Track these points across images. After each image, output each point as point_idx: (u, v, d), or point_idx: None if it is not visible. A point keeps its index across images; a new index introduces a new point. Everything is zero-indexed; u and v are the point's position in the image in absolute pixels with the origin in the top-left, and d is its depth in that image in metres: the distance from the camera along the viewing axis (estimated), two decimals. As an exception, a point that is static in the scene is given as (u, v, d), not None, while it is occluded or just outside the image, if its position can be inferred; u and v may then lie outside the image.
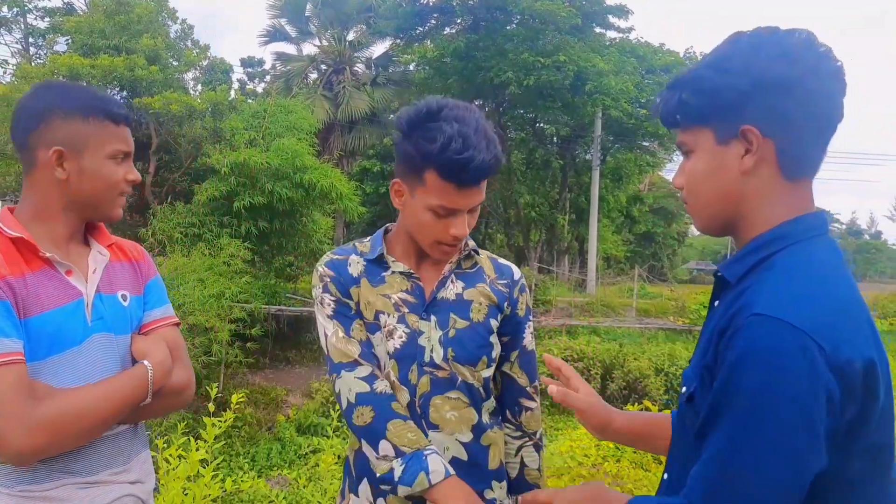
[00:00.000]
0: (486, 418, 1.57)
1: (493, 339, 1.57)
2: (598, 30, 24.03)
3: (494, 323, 1.57)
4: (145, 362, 1.39)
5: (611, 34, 24.55)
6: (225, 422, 2.95)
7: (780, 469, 0.94)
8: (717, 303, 1.16)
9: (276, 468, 8.76)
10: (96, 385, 1.32)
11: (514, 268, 1.69)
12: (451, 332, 1.52)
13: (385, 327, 1.52)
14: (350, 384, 1.46)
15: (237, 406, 3.08)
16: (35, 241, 1.34)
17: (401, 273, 1.57)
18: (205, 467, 2.76)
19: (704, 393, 1.06)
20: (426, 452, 1.40)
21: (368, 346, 1.53)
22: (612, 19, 23.82)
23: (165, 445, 2.83)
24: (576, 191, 26.92)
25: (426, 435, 1.48)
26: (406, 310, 1.53)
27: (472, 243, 1.63)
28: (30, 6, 20.48)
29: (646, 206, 35.55)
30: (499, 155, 1.44)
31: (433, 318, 1.53)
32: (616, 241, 33.56)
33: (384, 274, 1.57)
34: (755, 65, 1.05)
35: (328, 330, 1.53)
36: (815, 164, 1.10)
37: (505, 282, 1.63)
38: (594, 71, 20.16)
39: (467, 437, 1.52)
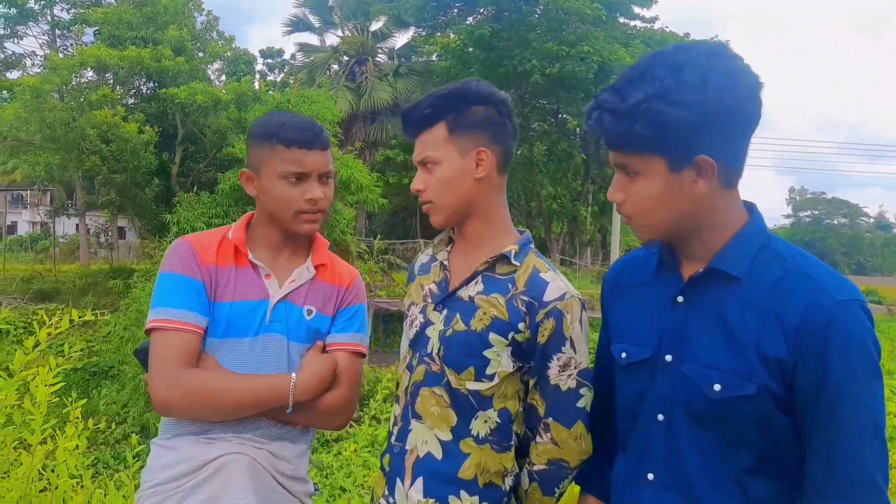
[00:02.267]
0: (477, 429, 1.46)
1: (491, 353, 1.44)
2: (622, 20, 23.81)
3: (497, 338, 1.44)
4: (293, 374, 1.51)
5: (635, 24, 24.31)
6: None
7: (884, 446, 1.09)
8: (712, 296, 1.20)
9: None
10: (243, 377, 1.48)
11: (554, 287, 1.45)
12: (449, 332, 1.49)
13: (411, 317, 1.60)
14: None
15: None
16: (246, 246, 1.59)
17: (441, 263, 1.60)
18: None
19: (777, 387, 1.11)
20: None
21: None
22: (636, 9, 23.60)
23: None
24: (598, 182, 26.75)
25: (409, 423, 1.52)
26: (429, 301, 1.57)
27: (513, 247, 1.50)
28: (55, -2, 20.77)
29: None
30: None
31: (444, 312, 1.52)
32: (639, 233, 33.37)
33: (433, 264, 1.63)
34: (706, 97, 1.10)
35: None
36: (744, 169, 1.20)
37: (527, 299, 1.44)
38: (618, 63, 19.99)
39: (446, 436, 1.48)
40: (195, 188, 13.56)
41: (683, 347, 1.22)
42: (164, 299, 1.49)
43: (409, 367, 1.56)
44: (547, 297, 1.44)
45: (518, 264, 1.49)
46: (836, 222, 67.48)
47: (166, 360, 1.44)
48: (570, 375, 1.45)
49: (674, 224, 1.21)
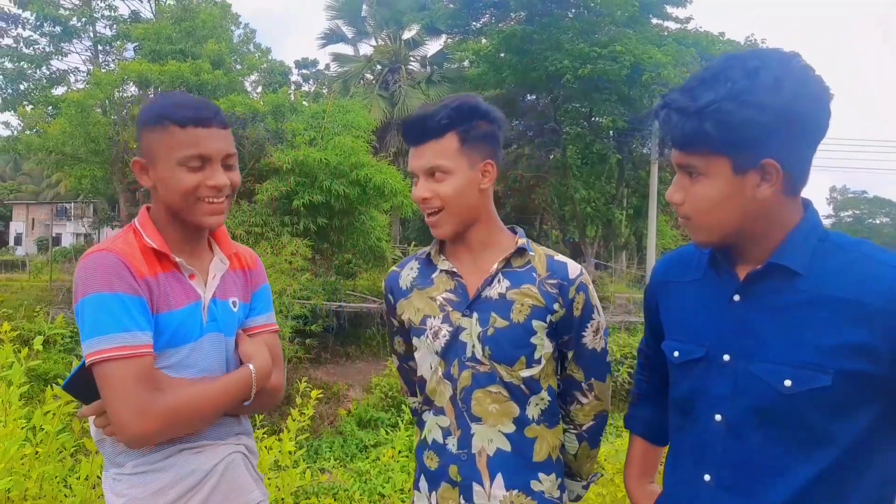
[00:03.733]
0: (531, 413, 1.57)
1: (537, 339, 1.56)
2: (655, 21, 23.58)
3: (539, 324, 1.55)
4: (250, 365, 1.49)
5: (669, 25, 24.06)
6: (305, 416, 3.10)
7: None
8: (775, 290, 1.20)
9: (338, 461, 8.98)
10: (207, 383, 1.42)
11: (572, 265, 1.63)
12: (490, 331, 1.54)
13: (431, 329, 1.60)
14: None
15: (303, 402, 3.21)
16: (168, 248, 1.45)
17: (445, 272, 1.62)
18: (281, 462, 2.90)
19: (868, 367, 1.10)
20: None
21: (406, 358, 1.77)
22: (669, 10, 23.34)
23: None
24: (633, 185, 26.48)
25: (469, 428, 1.56)
26: (450, 308, 1.59)
27: (522, 241, 1.62)
28: (98, 15, 21.40)
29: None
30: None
31: (475, 315, 1.56)
32: (675, 236, 32.85)
33: (433, 276, 1.65)
34: (779, 101, 1.10)
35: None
36: (808, 179, 1.19)
37: (555, 281, 1.58)
38: (651, 63, 19.81)
39: (510, 428, 1.56)
40: (235, 198, 13.81)
41: (745, 346, 1.21)
42: (109, 324, 1.32)
43: (448, 377, 1.59)
44: (571, 275, 1.60)
45: (533, 254, 1.61)
46: (877, 222, 65.66)
47: (129, 391, 1.31)
48: (600, 337, 1.65)
49: (732, 228, 1.20)
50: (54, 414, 2.29)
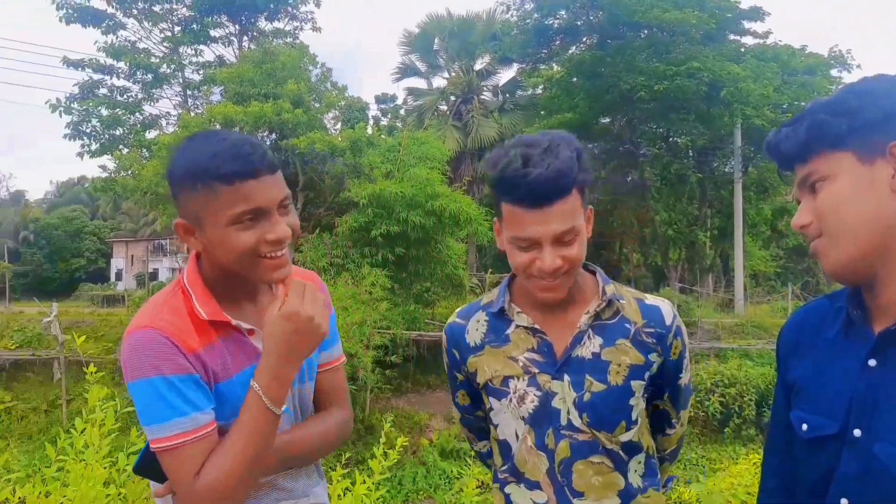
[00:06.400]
0: (634, 481, 1.44)
1: (635, 400, 1.43)
2: (732, 37, 22.93)
3: (637, 384, 1.42)
4: (256, 386, 1.26)
5: (746, 40, 23.34)
6: (391, 460, 3.05)
7: None
8: None
9: (422, 492, 8.94)
10: (234, 436, 1.25)
11: (665, 308, 1.49)
12: (587, 396, 1.40)
13: (515, 392, 1.44)
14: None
15: (386, 442, 3.14)
16: (222, 312, 1.31)
17: (525, 328, 1.46)
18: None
19: None
20: None
21: (471, 408, 1.63)
22: (747, 25, 22.65)
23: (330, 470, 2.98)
24: (716, 205, 25.61)
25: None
26: (536, 370, 1.43)
27: (610, 288, 1.46)
28: (186, 62, 22.71)
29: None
30: None
31: (566, 378, 1.41)
32: (764, 257, 31.46)
33: (508, 332, 1.48)
34: (892, 88, 1.02)
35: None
36: None
37: (652, 330, 1.44)
38: (730, 77, 19.23)
39: (615, 502, 1.42)
40: (317, 230, 14.21)
41: (874, 421, 1.02)
42: (163, 411, 1.21)
43: (541, 447, 1.42)
44: (667, 321, 1.47)
45: (623, 301, 1.46)
46: None
47: (192, 476, 1.21)
48: (689, 373, 1.59)
49: (867, 238, 1.02)
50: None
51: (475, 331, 1.52)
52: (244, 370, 1.32)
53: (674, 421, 1.61)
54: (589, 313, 1.44)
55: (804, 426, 1.13)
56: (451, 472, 10.26)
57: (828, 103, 1.06)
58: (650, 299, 1.50)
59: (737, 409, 12.77)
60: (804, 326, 1.24)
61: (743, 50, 22.48)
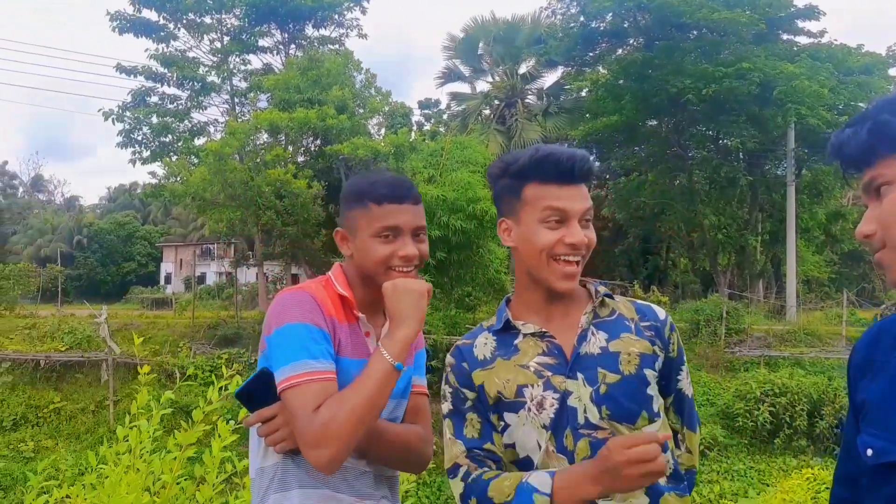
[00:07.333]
0: (661, 480, 1.38)
1: (652, 390, 1.43)
2: (785, 37, 22.32)
3: (651, 373, 1.43)
4: (383, 351, 1.46)
5: (800, 39, 22.67)
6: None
7: None
8: None
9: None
10: (352, 387, 1.43)
11: (657, 307, 1.56)
12: (602, 388, 1.39)
13: (532, 400, 1.42)
14: (455, 487, 1.46)
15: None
16: (353, 300, 1.59)
17: (532, 335, 1.47)
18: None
19: None
20: (526, 479, 1.34)
21: (478, 442, 1.47)
22: (800, 24, 22.00)
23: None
24: (768, 209, 24.93)
25: None
26: (549, 373, 1.42)
27: (602, 289, 1.53)
28: (234, 70, 23.22)
29: (849, 222, 31.93)
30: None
31: (580, 375, 1.41)
32: (818, 262, 30.44)
33: (516, 342, 1.48)
34: None
35: (444, 429, 1.53)
36: None
37: (649, 323, 1.49)
38: (783, 76, 18.68)
39: (643, 501, 1.38)
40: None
41: None
42: (298, 351, 1.44)
43: (562, 451, 1.40)
44: (660, 315, 1.53)
45: (616, 300, 1.53)
46: None
47: (313, 412, 1.39)
48: (690, 381, 1.56)
49: None
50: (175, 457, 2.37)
51: (483, 346, 1.52)
52: (354, 360, 1.53)
53: (679, 438, 1.54)
54: (588, 312, 1.49)
55: (869, 451, 1.05)
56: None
57: (891, 102, 0.99)
58: (640, 302, 1.57)
59: (787, 419, 12.40)
60: (878, 344, 1.15)
61: (796, 49, 21.86)
